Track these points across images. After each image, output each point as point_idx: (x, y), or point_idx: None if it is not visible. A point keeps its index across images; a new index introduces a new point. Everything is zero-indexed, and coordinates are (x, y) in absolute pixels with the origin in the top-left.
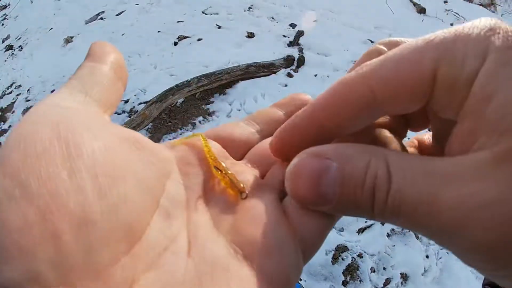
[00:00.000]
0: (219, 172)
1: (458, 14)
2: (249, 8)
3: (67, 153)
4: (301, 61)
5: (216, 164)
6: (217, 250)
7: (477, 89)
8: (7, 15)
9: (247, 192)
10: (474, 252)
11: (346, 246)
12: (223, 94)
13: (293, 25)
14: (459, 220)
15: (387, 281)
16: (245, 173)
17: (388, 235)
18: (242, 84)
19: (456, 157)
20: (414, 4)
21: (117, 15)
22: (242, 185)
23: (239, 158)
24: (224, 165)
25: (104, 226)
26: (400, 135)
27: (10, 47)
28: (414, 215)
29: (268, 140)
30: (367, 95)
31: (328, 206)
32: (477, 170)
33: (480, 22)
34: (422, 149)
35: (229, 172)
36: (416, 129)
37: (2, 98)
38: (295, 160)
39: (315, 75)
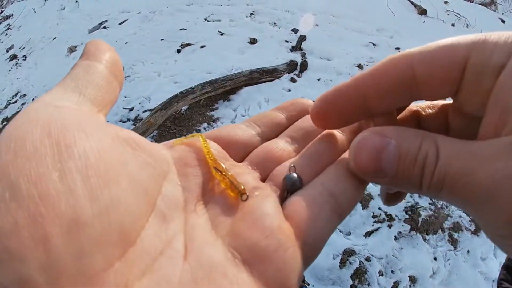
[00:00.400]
0: (219, 173)
1: (459, 14)
2: (251, 14)
3: (58, 154)
4: (304, 66)
5: (215, 165)
6: (215, 254)
7: (503, 80)
8: (10, 25)
9: (247, 194)
10: (502, 221)
11: (353, 250)
12: (227, 101)
13: (295, 30)
14: (492, 190)
15: (396, 284)
16: (245, 175)
17: (395, 238)
18: (246, 90)
19: (491, 139)
20: (415, 5)
21: (120, 24)
22: (242, 187)
23: (239, 160)
24: (223, 166)
25: (96, 230)
26: None
27: (14, 57)
28: (455, 186)
29: (269, 143)
30: (408, 72)
31: (385, 179)
32: (509, 150)
33: (508, 33)
34: None
35: (229, 173)
36: None
37: (7, 107)
38: (359, 137)
39: (318, 80)
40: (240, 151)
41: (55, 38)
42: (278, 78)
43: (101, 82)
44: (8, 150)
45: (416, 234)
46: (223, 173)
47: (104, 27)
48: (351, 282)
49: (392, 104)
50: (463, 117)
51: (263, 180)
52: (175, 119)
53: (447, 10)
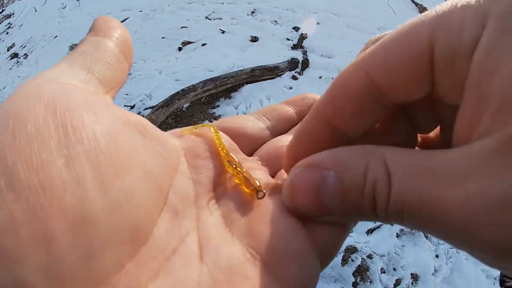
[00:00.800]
0: (232, 167)
1: None
2: (252, 12)
3: (64, 137)
4: (305, 64)
5: (229, 158)
6: (234, 255)
7: (477, 60)
8: (11, 24)
9: (264, 192)
10: (483, 253)
11: (355, 247)
12: (229, 98)
13: (296, 28)
14: (466, 223)
15: (398, 282)
16: (256, 170)
17: (397, 235)
18: (247, 88)
19: (460, 148)
20: (416, 4)
21: (121, 22)
22: (258, 183)
23: (247, 153)
24: (237, 160)
25: (106, 227)
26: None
27: (15, 55)
28: (417, 217)
29: (280, 138)
30: (365, 81)
31: (332, 216)
32: (482, 163)
33: None
34: (427, 142)
35: (244, 168)
36: (427, 131)
37: None
38: (291, 174)
39: (320, 77)
40: (248, 144)
41: (56, 36)
42: (280, 75)
43: (110, 60)
44: (5, 130)
45: (418, 231)
46: (238, 168)
47: None
48: (353, 280)
49: (364, 124)
50: (449, 107)
51: (273, 176)
52: (176, 116)
53: None
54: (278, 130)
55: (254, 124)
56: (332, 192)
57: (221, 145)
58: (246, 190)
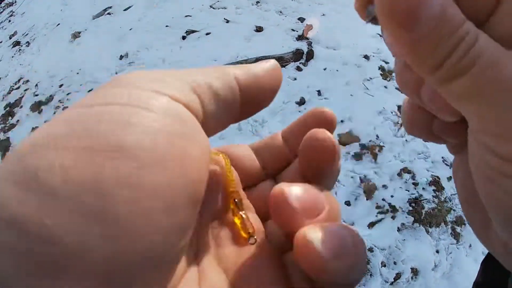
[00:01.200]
0: (235, 205)
1: None
2: (257, 2)
3: (180, 168)
4: (310, 55)
5: (235, 196)
6: (220, 284)
7: None
8: (13, 12)
9: (256, 239)
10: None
11: None
12: None
13: (301, 19)
14: None
15: (398, 276)
16: (252, 214)
17: (398, 230)
18: None
19: None
20: None
21: (124, 10)
22: (253, 229)
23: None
24: (241, 200)
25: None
26: None
27: (17, 43)
28: (481, 74)
29: (269, 184)
30: None
31: (409, 34)
32: None
33: None
34: None
35: (243, 212)
36: None
37: (10, 93)
38: None
39: (324, 69)
40: (242, 180)
41: (58, 24)
42: (284, 66)
43: (226, 117)
44: (129, 126)
45: (419, 226)
46: (240, 210)
47: (109, 13)
48: None
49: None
50: None
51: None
52: None
53: None
54: (270, 172)
55: (253, 162)
56: (435, 9)
57: (232, 183)
58: (243, 234)
